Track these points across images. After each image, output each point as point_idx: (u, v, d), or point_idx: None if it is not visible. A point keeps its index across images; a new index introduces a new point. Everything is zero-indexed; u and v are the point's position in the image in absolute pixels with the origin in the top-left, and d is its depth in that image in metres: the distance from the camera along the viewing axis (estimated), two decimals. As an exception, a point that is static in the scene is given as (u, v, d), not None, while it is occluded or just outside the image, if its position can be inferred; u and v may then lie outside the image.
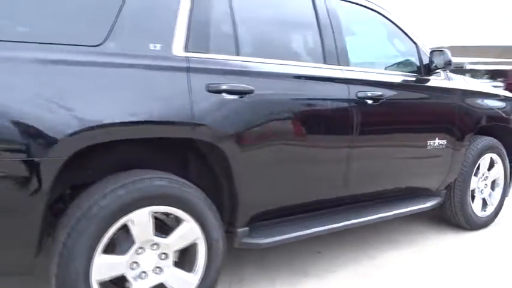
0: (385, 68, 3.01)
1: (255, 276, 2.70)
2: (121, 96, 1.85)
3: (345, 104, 2.56)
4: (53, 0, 1.84)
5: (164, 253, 2.05)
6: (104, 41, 1.87)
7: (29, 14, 1.77)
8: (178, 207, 2.02)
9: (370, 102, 2.66)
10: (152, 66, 1.95)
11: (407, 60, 3.12)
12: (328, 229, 2.57)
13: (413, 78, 3.02)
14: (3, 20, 1.72)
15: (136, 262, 1.98)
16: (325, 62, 2.55)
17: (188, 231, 2.07)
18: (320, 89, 2.47)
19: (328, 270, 2.80)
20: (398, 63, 3.10)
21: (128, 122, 1.85)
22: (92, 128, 1.76)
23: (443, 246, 3.28)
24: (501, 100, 3.63)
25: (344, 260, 2.95)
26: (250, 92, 2.17)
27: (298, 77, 2.40)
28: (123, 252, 1.94)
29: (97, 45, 1.85)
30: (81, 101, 1.76)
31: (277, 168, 2.32)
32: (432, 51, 3.03)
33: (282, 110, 2.31)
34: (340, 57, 2.59)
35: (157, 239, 2.01)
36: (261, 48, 2.37)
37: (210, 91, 2.06)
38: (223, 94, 2.10)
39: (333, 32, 2.60)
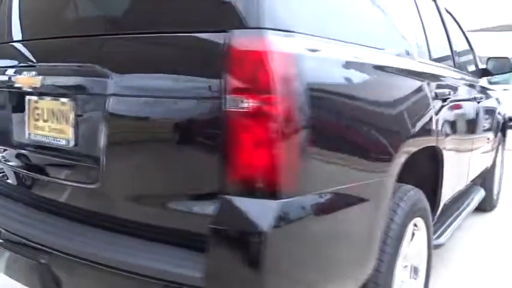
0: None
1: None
2: (412, 104, 1.75)
3: (475, 105, 2.81)
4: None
5: (405, 266, 1.98)
6: (385, 46, 1.73)
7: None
8: (421, 217, 1.98)
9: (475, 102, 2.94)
10: (412, 72, 1.88)
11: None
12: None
13: (479, 81, 3.40)
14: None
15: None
16: (455, 67, 2.73)
17: (423, 240, 2.04)
18: (469, 93, 2.69)
19: (449, 259, 2.97)
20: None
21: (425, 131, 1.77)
22: (413, 138, 1.64)
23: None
24: None
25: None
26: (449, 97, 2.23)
27: (464, 82, 2.56)
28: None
29: (382, 49, 1.70)
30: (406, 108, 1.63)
31: (457, 164, 2.43)
32: (491, 58, 3.43)
33: (458, 112, 2.44)
34: (463, 62, 2.83)
35: (408, 252, 1.93)
36: (438, 54, 2.43)
37: (436, 97, 2.06)
38: (439, 100, 2.11)
39: (453, 39, 2.80)
